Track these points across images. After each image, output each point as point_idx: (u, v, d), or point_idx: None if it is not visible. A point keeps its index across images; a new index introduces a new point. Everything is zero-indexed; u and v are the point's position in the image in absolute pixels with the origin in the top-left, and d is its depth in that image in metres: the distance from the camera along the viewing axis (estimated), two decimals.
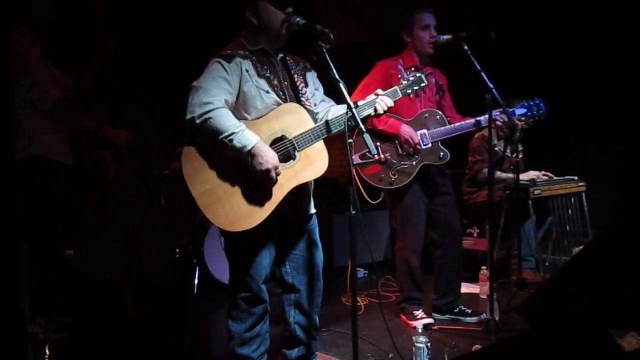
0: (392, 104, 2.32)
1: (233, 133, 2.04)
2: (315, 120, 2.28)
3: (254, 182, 2.13)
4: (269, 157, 2.08)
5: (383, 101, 2.29)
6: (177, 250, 3.72)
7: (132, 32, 3.41)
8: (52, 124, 2.86)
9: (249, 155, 2.07)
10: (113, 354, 2.93)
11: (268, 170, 2.07)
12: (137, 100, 3.39)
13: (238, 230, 2.12)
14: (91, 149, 3.18)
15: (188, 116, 2.06)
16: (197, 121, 2.04)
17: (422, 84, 2.41)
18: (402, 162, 3.13)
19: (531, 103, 3.07)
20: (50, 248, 2.90)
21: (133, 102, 3.33)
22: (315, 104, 2.39)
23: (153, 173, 3.42)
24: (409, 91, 2.38)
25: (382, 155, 3.10)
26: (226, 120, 2.06)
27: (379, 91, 2.33)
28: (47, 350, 2.66)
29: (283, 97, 2.24)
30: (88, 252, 3.13)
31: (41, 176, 2.82)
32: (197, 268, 3.77)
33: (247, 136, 2.07)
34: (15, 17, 2.87)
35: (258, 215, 2.13)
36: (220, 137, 2.04)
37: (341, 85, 2.04)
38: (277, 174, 2.11)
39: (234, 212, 2.12)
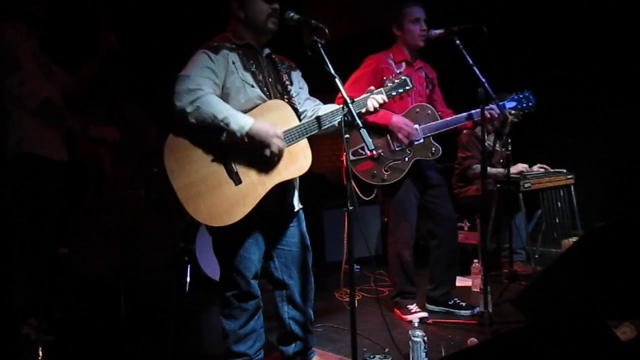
0: (386, 100, 2.32)
1: (229, 115, 2.02)
2: (299, 119, 2.27)
3: (237, 177, 2.11)
4: (269, 130, 2.07)
5: (375, 99, 2.29)
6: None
7: (132, 30, 3.38)
8: (43, 121, 2.81)
9: (248, 137, 2.05)
10: (106, 354, 2.90)
11: (273, 143, 2.07)
12: (136, 98, 3.35)
13: (219, 225, 2.08)
14: (88, 146, 3.13)
15: (177, 104, 2.01)
16: (188, 109, 2.00)
17: (407, 87, 2.41)
18: (395, 158, 3.12)
19: (521, 95, 3.08)
20: (44, 246, 2.86)
21: (132, 100, 3.28)
22: (299, 103, 2.39)
23: (150, 171, 3.39)
24: (394, 93, 2.38)
25: (375, 152, 3.09)
26: (218, 104, 2.04)
27: (372, 88, 2.33)
28: (40, 352, 2.63)
29: (267, 92, 2.23)
30: (82, 250, 3.09)
31: (33, 174, 2.77)
32: (189, 266, 3.75)
33: (244, 117, 2.06)
34: (10, 10, 2.82)
35: (240, 211, 2.10)
36: (216, 121, 2.01)
37: (337, 80, 2.03)
38: (282, 147, 2.11)
39: (215, 207, 2.08)
